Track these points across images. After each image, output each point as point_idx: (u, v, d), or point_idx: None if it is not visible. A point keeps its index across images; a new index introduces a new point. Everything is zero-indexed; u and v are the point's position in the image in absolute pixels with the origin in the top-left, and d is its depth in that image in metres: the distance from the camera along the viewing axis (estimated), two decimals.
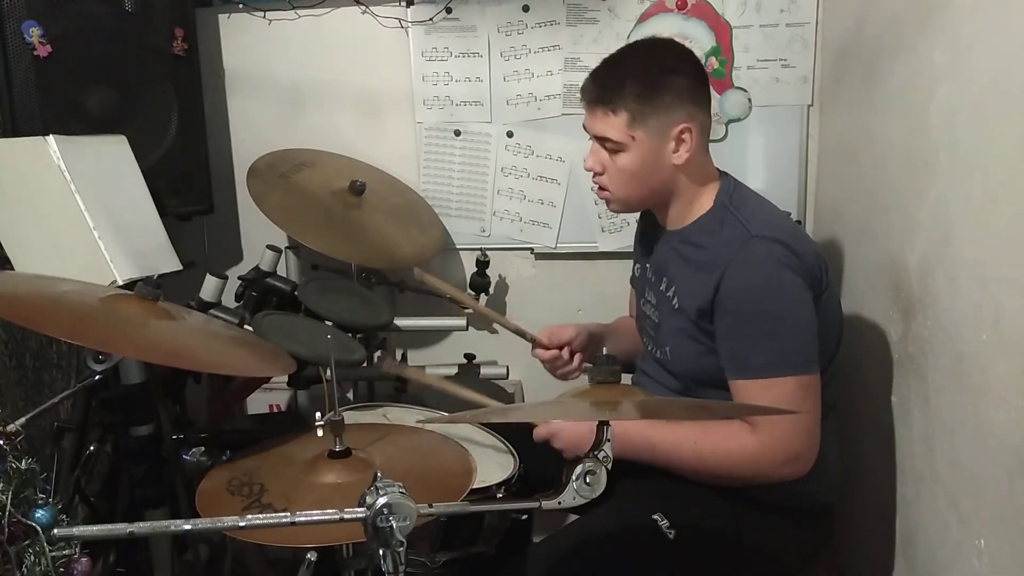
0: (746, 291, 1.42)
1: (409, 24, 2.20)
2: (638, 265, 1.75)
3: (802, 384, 1.40)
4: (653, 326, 1.64)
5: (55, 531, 0.87)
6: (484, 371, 2.06)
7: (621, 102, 1.48)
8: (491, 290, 2.25)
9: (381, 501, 0.91)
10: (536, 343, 1.79)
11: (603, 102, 1.50)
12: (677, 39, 2.06)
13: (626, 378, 1.50)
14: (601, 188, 1.59)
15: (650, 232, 1.69)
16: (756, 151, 2.16)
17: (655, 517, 1.46)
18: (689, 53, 1.57)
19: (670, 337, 1.57)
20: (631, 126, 1.48)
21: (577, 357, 1.76)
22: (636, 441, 1.47)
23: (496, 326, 1.82)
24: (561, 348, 1.75)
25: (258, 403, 2.23)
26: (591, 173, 1.58)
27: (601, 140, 1.53)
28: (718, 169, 1.58)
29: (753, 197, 1.56)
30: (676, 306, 1.54)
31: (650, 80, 1.48)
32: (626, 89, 1.48)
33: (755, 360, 1.41)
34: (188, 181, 2.09)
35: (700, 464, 1.46)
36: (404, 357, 2.07)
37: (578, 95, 2.14)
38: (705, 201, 1.54)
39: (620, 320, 1.95)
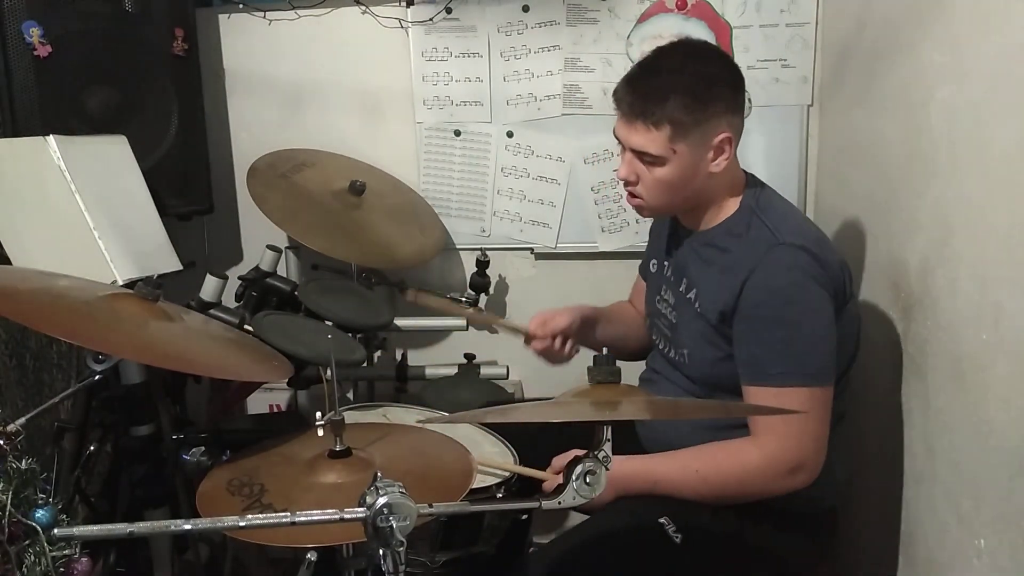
0: (768, 297, 1.40)
1: (409, 24, 2.20)
2: (654, 261, 1.73)
3: (813, 396, 1.38)
4: (669, 325, 1.63)
5: (55, 531, 0.87)
6: (484, 371, 2.06)
7: (664, 116, 1.40)
8: (491, 290, 2.25)
9: (381, 501, 0.91)
10: (529, 336, 1.73)
11: (644, 116, 1.42)
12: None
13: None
14: (633, 196, 1.53)
15: (671, 230, 1.66)
16: (756, 151, 2.16)
17: (662, 521, 1.45)
18: (728, 58, 1.52)
19: (689, 340, 1.55)
20: (673, 140, 1.42)
21: (569, 343, 1.71)
22: (638, 481, 1.47)
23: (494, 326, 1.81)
24: (554, 337, 1.70)
25: (258, 403, 2.23)
26: (623, 182, 1.52)
27: (639, 153, 1.46)
28: (745, 172, 1.56)
29: (780, 202, 1.54)
30: (698, 309, 1.52)
31: (695, 93, 1.41)
32: (670, 103, 1.40)
33: (769, 368, 1.40)
34: (188, 181, 2.10)
35: (707, 489, 1.45)
36: (404, 357, 2.07)
37: (578, 95, 2.19)
38: (732, 204, 1.52)
39: (616, 305, 1.92)
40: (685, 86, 1.41)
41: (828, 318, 1.41)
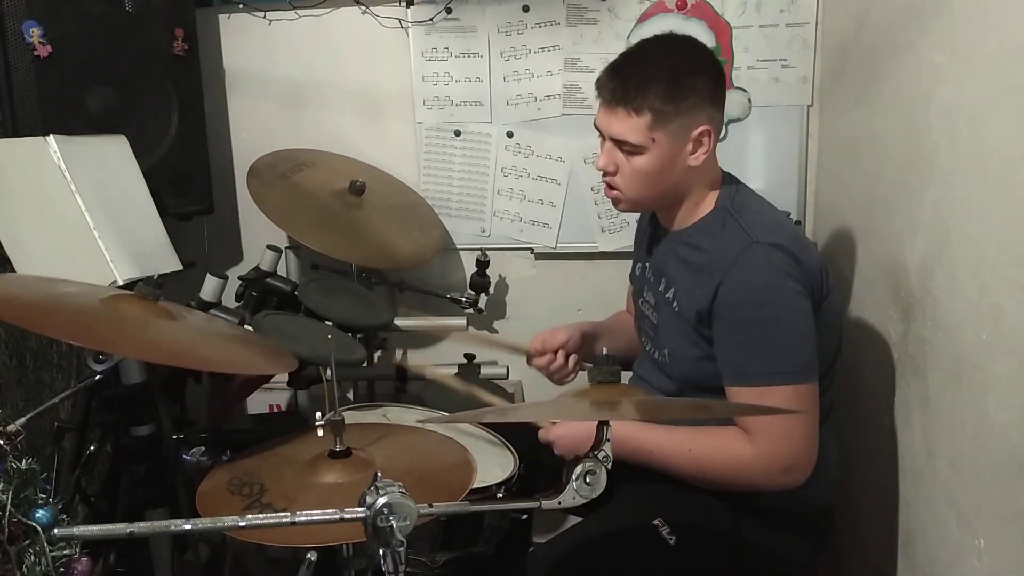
0: (744, 297, 1.40)
1: (409, 24, 2.20)
2: (639, 264, 1.74)
3: (798, 393, 1.38)
4: (652, 327, 1.63)
5: (55, 531, 0.87)
6: (484, 371, 2.06)
7: (645, 103, 1.42)
8: (491, 290, 2.25)
9: (381, 501, 0.91)
10: (530, 355, 1.75)
11: (625, 102, 1.43)
12: None
13: (625, 376, 1.48)
14: (611, 187, 1.54)
15: (651, 232, 1.68)
16: (756, 151, 2.16)
17: (655, 522, 1.46)
18: (710, 52, 1.53)
19: (670, 339, 1.56)
20: (653, 128, 1.43)
21: (572, 359, 1.73)
22: (630, 447, 1.46)
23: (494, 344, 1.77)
24: (555, 352, 1.72)
25: (258, 403, 2.23)
26: (601, 172, 1.53)
27: (619, 142, 1.47)
28: (722, 170, 1.57)
29: (756, 200, 1.54)
30: (675, 309, 1.53)
31: (675, 81, 1.42)
32: (651, 90, 1.41)
33: (751, 368, 1.40)
34: (188, 181, 2.10)
35: (696, 470, 1.45)
36: (404, 357, 2.07)
37: (578, 95, 2.20)
38: (708, 203, 1.53)
39: (616, 316, 1.93)
40: (665, 75, 1.43)
41: (806, 315, 1.41)
